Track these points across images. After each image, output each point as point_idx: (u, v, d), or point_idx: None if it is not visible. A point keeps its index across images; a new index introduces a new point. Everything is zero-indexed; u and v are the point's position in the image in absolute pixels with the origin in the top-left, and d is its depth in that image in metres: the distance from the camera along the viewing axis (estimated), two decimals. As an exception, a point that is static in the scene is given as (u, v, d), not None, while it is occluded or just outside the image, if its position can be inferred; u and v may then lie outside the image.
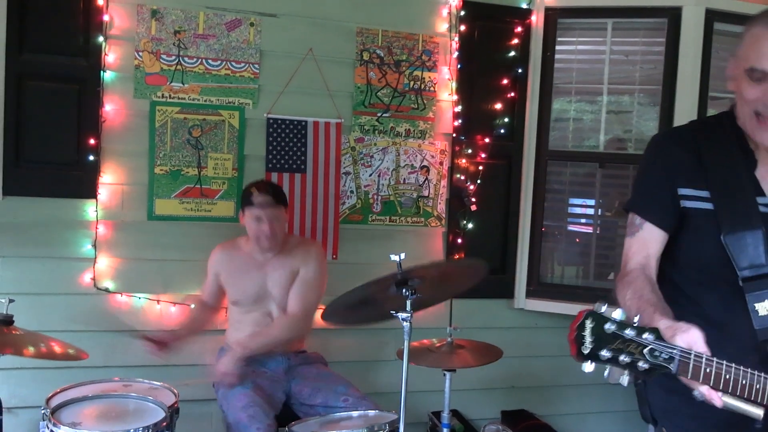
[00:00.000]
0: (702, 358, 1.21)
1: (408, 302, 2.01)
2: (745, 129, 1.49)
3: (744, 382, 1.26)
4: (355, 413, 2.40)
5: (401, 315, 2.01)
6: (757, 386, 1.28)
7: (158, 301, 3.02)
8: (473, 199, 3.38)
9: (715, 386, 1.23)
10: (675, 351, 1.19)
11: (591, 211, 3.63)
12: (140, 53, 2.97)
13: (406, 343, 2.03)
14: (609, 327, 1.16)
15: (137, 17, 2.96)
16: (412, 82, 3.31)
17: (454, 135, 3.37)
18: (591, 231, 3.61)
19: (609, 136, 3.54)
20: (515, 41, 3.40)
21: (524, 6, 3.42)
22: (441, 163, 3.37)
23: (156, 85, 3.00)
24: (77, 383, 2.40)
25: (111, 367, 2.94)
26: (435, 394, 2.78)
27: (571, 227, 3.68)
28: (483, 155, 3.39)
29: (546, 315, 3.52)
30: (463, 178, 3.38)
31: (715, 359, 1.23)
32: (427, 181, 3.36)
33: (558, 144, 3.55)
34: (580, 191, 3.63)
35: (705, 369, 1.21)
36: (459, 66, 3.34)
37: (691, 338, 1.23)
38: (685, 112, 3.24)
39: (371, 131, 3.27)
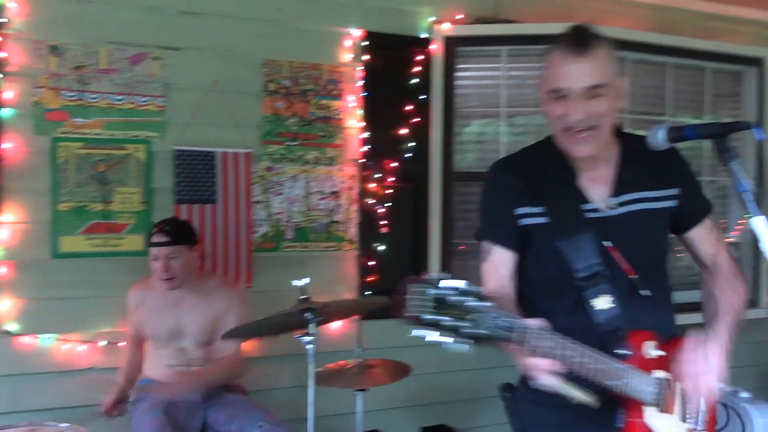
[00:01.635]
0: (529, 330, 1.28)
1: (311, 326, 2.06)
2: (562, 147, 1.63)
3: (582, 361, 1.37)
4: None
5: (305, 339, 2.07)
6: (590, 365, 1.39)
7: (66, 340, 2.95)
8: (384, 222, 3.48)
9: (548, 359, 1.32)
10: (502, 321, 1.24)
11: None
12: (40, 89, 2.94)
13: (310, 367, 2.08)
14: (431, 292, 1.20)
15: (35, 53, 2.93)
16: (319, 111, 3.40)
17: (363, 160, 3.47)
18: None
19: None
20: (417, 69, 3.54)
21: (424, 35, 3.58)
22: (351, 188, 3.46)
23: (57, 121, 2.96)
24: (-22, 431, 2.33)
25: (19, 412, 2.84)
26: (357, 416, 2.83)
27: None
28: (391, 179, 3.51)
29: (460, 330, 3.63)
30: (372, 201, 3.48)
31: (549, 335, 1.31)
32: (338, 206, 3.44)
33: (467, 165, 3.70)
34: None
35: (534, 342, 1.29)
36: (364, 94, 3.46)
37: (529, 320, 1.33)
38: (576, 131, 3.46)
39: (281, 160, 3.33)
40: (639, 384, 1.49)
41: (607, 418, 1.54)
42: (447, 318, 1.19)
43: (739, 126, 1.41)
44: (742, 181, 1.34)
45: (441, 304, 1.19)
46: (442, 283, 1.20)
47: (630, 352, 1.53)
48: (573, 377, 1.38)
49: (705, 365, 1.50)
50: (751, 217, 1.30)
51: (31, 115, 2.92)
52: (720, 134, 1.40)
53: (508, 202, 1.68)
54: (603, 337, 1.55)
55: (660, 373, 1.54)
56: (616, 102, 1.58)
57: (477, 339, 1.21)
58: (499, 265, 1.68)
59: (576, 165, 1.66)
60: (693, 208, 1.72)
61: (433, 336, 1.20)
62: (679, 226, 1.73)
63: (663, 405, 1.53)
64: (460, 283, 1.21)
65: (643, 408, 1.52)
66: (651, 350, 1.55)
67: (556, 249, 1.61)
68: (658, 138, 1.48)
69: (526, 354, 1.32)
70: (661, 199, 1.67)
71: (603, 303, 1.56)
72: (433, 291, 1.20)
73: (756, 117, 3.98)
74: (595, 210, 1.64)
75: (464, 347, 1.20)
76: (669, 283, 1.76)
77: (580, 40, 1.53)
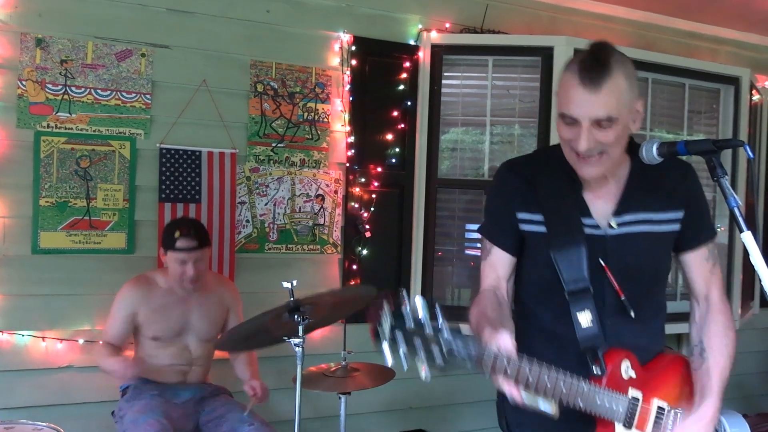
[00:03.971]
0: (499, 356, 1.31)
1: (300, 328, 2.07)
2: (571, 165, 1.62)
3: (549, 384, 1.38)
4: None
5: (293, 341, 2.07)
6: (563, 390, 1.41)
7: (43, 338, 2.90)
8: (367, 226, 3.50)
9: (517, 383, 1.35)
10: (472, 350, 1.28)
11: (478, 236, 3.83)
12: (24, 82, 2.89)
13: (298, 368, 2.08)
14: (408, 323, 1.25)
15: (20, 46, 2.88)
16: (306, 114, 3.40)
17: (348, 164, 3.48)
18: (479, 254, 3.81)
19: (493, 165, 3.77)
20: (404, 75, 3.57)
21: (412, 43, 3.61)
22: (336, 192, 3.47)
23: (41, 115, 2.92)
24: (-47, 428, 2.28)
25: (-7, 409, 2.79)
26: (337, 420, 2.83)
27: (465, 251, 3.87)
28: (376, 184, 3.52)
29: (440, 336, 3.66)
30: (357, 206, 3.49)
31: (515, 360, 1.34)
32: (322, 210, 3.44)
33: (449, 172, 3.74)
34: (469, 216, 3.83)
35: (504, 364, 1.32)
36: (351, 98, 3.47)
37: (500, 341, 1.35)
38: (558, 141, 3.51)
39: (266, 161, 3.33)
40: (609, 403, 1.50)
41: (584, 426, 1.56)
42: (418, 344, 1.24)
43: (732, 143, 1.46)
44: (732, 197, 1.38)
45: (408, 326, 1.25)
46: (417, 304, 1.26)
47: (604, 372, 1.55)
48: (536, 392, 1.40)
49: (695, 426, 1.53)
50: (741, 233, 1.35)
51: (15, 108, 2.88)
52: (712, 151, 1.43)
53: (512, 206, 1.69)
54: (581, 354, 1.58)
55: (635, 392, 1.57)
56: (628, 129, 1.56)
57: (444, 365, 1.26)
58: (497, 265, 1.72)
59: (583, 179, 1.64)
60: (692, 233, 1.68)
61: (398, 358, 1.26)
62: (676, 247, 1.71)
63: (636, 422, 1.55)
64: (428, 312, 1.26)
65: (615, 425, 1.54)
66: (627, 370, 1.57)
67: (550, 258, 1.61)
68: (651, 152, 1.52)
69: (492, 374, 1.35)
70: (665, 222, 1.66)
71: (584, 320, 1.58)
72: (408, 323, 1.25)
73: (732, 134, 4.09)
74: (595, 226, 1.63)
75: (428, 375, 1.26)
76: (662, 305, 1.76)
77: (595, 68, 1.48)
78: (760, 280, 1.35)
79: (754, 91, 4.27)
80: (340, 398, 2.60)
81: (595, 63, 1.48)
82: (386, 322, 1.24)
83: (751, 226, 1.38)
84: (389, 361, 1.25)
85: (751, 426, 1.83)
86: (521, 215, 1.68)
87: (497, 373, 1.32)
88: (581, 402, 1.45)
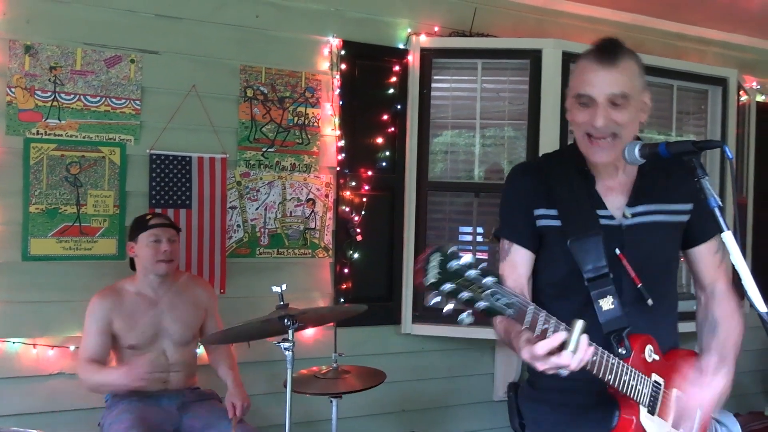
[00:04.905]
0: (541, 312, 1.33)
1: (290, 332, 2.07)
2: (583, 152, 1.68)
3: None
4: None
5: (283, 345, 2.08)
6: (594, 358, 1.42)
7: (34, 345, 2.90)
8: (359, 230, 3.50)
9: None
10: (515, 299, 1.30)
11: (470, 238, 3.85)
12: (13, 89, 2.89)
13: (288, 372, 2.09)
14: (453, 264, 1.24)
15: (9, 53, 2.89)
16: (296, 118, 3.41)
17: (339, 168, 3.49)
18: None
19: (484, 167, 3.78)
20: (394, 79, 3.59)
21: (401, 46, 3.63)
22: (326, 196, 3.48)
23: (30, 122, 2.92)
24: (-57, 436, 2.27)
25: (-17, 417, 2.78)
26: (329, 423, 2.83)
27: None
28: (367, 187, 3.53)
29: (432, 339, 3.68)
30: (348, 209, 3.50)
31: (554, 318, 1.34)
32: (313, 214, 3.45)
33: (442, 175, 3.75)
34: (462, 219, 3.84)
35: (542, 325, 1.33)
36: (341, 102, 3.48)
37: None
38: (548, 143, 3.54)
39: (257, 166, 3.33)
40: (636, 384, 1.54)
41: (603, 418, 1.59)
42: (465, 291, 1.24)
43: (711, 144, 1.48)
44: (713, 197, 1.40)
45: (459, 277, 1.24)
46: (464, 259, 1.25)
47: (629, 352, 1.58)
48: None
49: (709, 390, 1.56)
50: (721, 232, 1.36)
51: (4, 115, 2.88)
52: (692, 152, 1.45)
53: (528, 204, 1.73)
54: (606, 337, 1.60)
55: (657, 378, 1.60)
56: (639, 115, 1.63)
57: (491, 312, 1.27)
58: (518, 264, 1.73)
59: (595, 172, 1.71)
60: (702, 225, 1.73)
61: (448, 306, 1.26)
62: (686, 241, 1.76)
63: (658, 409, 1.58)
64: (480, 261, 1.26)
65: (639, 408, 1.56)
66: (651, 354, 1.61)
67: (567, 250, 1.65)
68: (634, 154, 1.54)
69: (533, 337, 1.35)
70: (676, 212, 1.72)
71: (607, 304, 1.60)
72: (455, 264, 1.24)
73: (720, 135, 4.12)
74: (610, 217, 1.68)
75: (471, 319, 1.25)
76: (675, 295, 1.81)
77: (608, 50, 1.59)
78: (740, 279, 1.36)
79: (741, 92, 4.30)
80: (331, 401, 2.60)
81: (609, 45, 1.60)
82: (434, 261, 1.24)
83: (743, 226, 1.40)
84: (434, 299, 1.26)
85: (742, 425, 1.86)
86: (538, 211, 1.72)
87: (534, 327, 1.32)
88: (610, 375, 1.47)
